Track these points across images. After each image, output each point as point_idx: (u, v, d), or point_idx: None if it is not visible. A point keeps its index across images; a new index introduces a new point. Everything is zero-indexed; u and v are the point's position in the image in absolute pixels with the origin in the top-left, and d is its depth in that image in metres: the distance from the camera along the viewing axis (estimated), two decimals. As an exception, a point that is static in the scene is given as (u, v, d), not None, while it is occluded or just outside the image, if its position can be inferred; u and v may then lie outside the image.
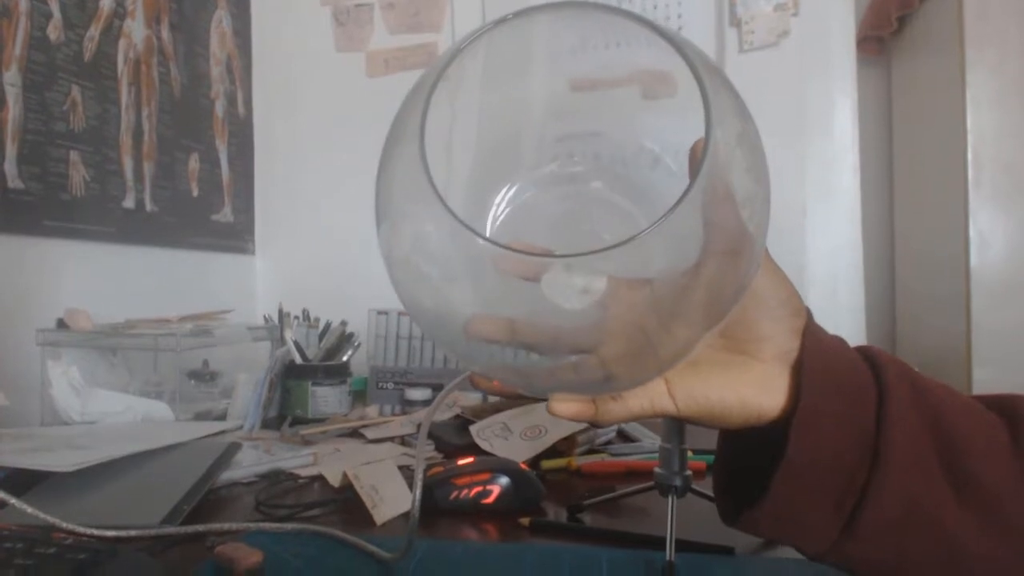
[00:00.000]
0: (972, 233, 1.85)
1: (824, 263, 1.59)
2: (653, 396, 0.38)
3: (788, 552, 0.40)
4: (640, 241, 0.28)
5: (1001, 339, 1.82)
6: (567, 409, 0.37)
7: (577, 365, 0.37)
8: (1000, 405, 0.40)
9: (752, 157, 0.32)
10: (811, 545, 0.39)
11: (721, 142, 0.30)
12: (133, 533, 0.60)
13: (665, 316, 0.33)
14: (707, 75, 0.30)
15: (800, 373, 0.37)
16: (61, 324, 1.10)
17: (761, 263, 0.36)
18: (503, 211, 0.41)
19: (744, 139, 0.32)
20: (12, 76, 1.11)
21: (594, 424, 0.39)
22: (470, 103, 0.38)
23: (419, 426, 0.99)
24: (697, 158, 0.32)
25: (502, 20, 0.32)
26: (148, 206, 1.43)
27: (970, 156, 1.85)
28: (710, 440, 0.48)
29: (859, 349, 0.40)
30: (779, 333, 0.38)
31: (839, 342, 0.40)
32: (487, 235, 0.39)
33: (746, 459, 0.42)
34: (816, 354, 0.38)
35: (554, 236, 0.39)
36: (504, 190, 0.41)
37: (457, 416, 1.04)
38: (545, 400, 0.37)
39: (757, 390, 0.38)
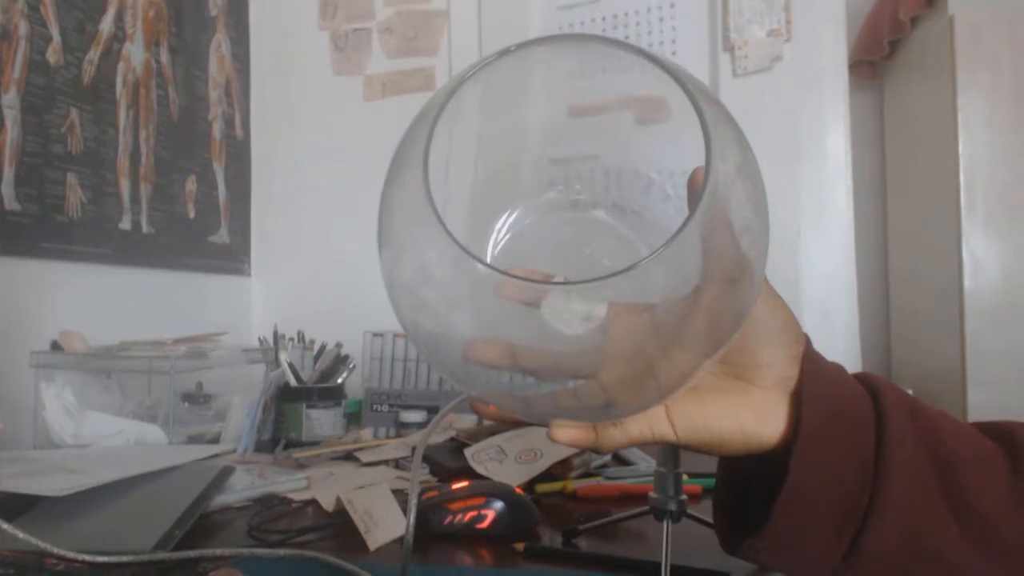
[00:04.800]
0: (965, 256, 1.86)
1: (818, 286, 1.59)
2: (653, 422, 0.38)
3: (785, 578, 0.40)
4: (640, 269, 0.28)
5: (996, 362, 1.83)
6: (567, 435, 0.37)
7: (577, 391, 0.37)
8: (997, 432, 0.40)
9: (751, 188, 0.32)
10: (813, 574, 0.38)
11: (721, 173, 0.30)
12: (125, 559, 0.60)
13: (665, 341, 0.33)
14: (707, 106, 0.30)
15: (799, 400, 0.38)
16: (55, 346, 1.09)
17: (760, 291, 0.36)
18: (503, 237, 0.41)
19: (743, 170, 0.32)
20: (11, 99, 1.12)
21: (594, 450, 0.39)
22: (469, 131, 0.38)
23: (414, 449, 0.98)
24: (696, 187, 0.32)
25: (505, 52, 0.33)
26: (144, 228, 1.43)
27: (963, 180, 1.87)
28: (706, 464, 0.48)
29: (857, 376, 0.40)
30: (778, 360, 0.38)
31: (838, 369, 0.40)
32: (488, 261, 0.39)
33: (746, 489, 0.42)
34: (815, 381, 0.38)
35: (555, 262, 0.39)
36: (504, 216, 0.41)
37: (452, 439, 1.03)
38: (544, 426, 0.37)
39: (757, 417, 0.38)
